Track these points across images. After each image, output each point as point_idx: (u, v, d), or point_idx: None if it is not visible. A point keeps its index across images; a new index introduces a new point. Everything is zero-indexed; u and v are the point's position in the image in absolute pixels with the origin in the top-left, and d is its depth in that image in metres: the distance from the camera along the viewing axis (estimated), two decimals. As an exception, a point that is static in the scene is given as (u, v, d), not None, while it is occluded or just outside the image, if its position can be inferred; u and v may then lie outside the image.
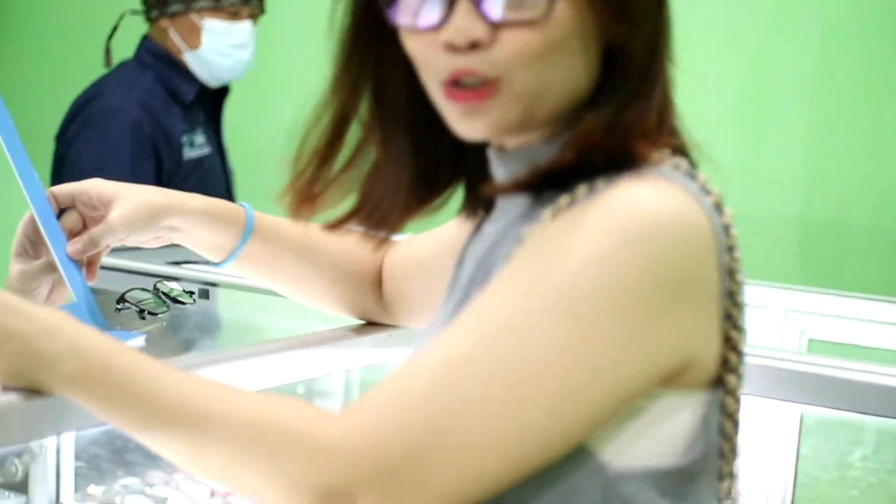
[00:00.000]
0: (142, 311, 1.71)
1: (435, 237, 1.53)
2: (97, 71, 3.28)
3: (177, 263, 2.18)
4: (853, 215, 3.11)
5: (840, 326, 2.33)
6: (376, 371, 1.82)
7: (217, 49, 3.15)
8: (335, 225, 1.31)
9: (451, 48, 1.14)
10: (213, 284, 2.02)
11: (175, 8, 3.14)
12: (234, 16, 3.16)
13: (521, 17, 1.12)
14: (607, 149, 1.14)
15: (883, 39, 3.07)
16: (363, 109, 1.26)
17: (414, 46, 1.18)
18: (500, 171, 1.24)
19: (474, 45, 1.13)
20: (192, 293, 1.83)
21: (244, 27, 3.18)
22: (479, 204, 1.32)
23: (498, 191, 1.22)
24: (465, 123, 1.17)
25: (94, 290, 1.47)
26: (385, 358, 1.67)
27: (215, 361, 1.47)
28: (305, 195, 1.28)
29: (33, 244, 1.49)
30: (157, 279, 1.83)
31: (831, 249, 3.13)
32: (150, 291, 1.77)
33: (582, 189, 1.13)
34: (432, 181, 1.29)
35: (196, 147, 3.18)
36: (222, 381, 1.12)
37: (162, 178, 3.09)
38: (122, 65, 3.27)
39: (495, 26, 1.13)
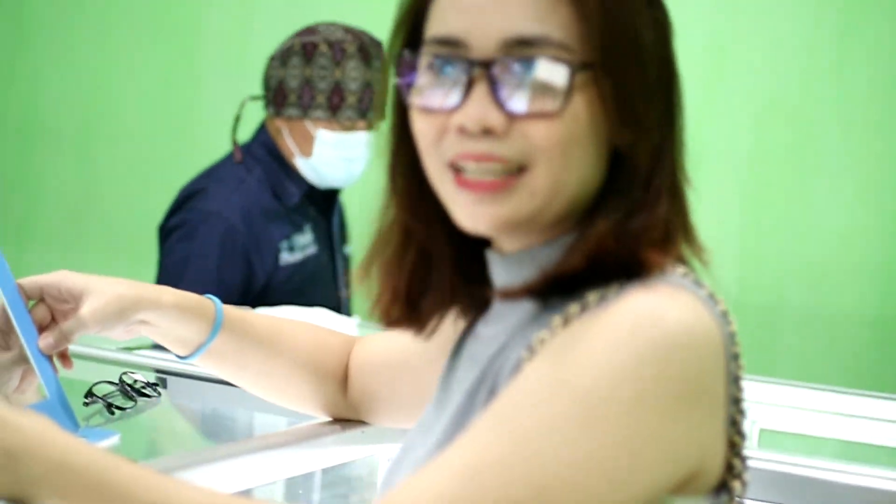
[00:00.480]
0: (109, 405, 1.69)
1: (404, 336, 1.46)
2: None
3: (129, 349, 2.16)
4: (787, 297, 3.15)
5: (791, 416, 2.34)
6: (351, 468, 1.81)
7: (329, 160, 3.03)
8: (387, 321, 1.32)
9: (463, 132, 1.15)
10: (170, 373, 1.99)
11: (291, 112, 3.03)
12: (350, 128, 3.02)
13: (538, 109, 1.13)
14: (616, 256, 1.15)
15: (819, 116, 3.12)
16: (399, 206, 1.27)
17: (424, 128, 1.18)
18: (501, 273, 1.24)
19: (487, 132, 1.14)
20: (156, 385, 1.81)
21: (359, 139, 3.03)
22: (471, 305, 1.32)
23: (507, 295, 1.21)
24: (470, 212, 1.17)
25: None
26: (358, 455, 1.66)
27: (195, 463, 1.47)
28: (392, 306, 1.30)
29: (3, 334, 1.47)
30: (121, 369, 1.80)
31: (767, 334, 3.16)
32: (115, 384, 1.74)
33: (593, 296, 1.14)
34: (466, 280, 1.29)
35: (297, 250, 3.06)
36: (213, 488, 1.11)
37: (254, 285, 2.99)
38: (231, 156, 3.14)
39: (511, 116, 1.13)
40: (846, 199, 3.14)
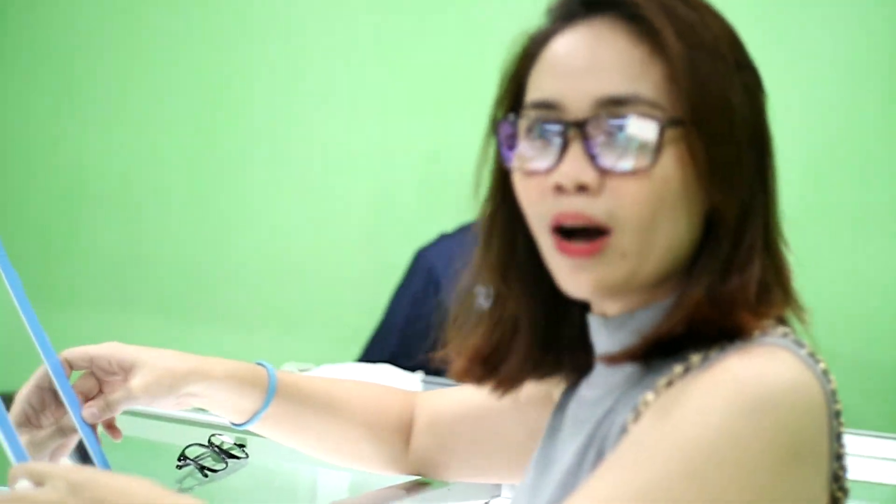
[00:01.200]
0: (202, 468, 1.72)
1: (477, 392, 1.52)
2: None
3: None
4: (839, 350, 3.16)
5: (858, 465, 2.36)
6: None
7: None
8: (470, 380, 1.37)
9: (559, 190, 1.19)
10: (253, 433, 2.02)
11: None
12: None
13: (629, 165, 1.17)
14: (711, 320, 1.18)
15: (868, 166, 3.14)
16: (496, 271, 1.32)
17: (524, 190, 1.23)
18: (603, 337, 1.28)
19: (582, 189, 1.18)
20: (243, 446, 1.84)
21: None
22: (573, 368, 1.36)
23: (610, 360, 1.25)
24: (572, 278, 1.21)
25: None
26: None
27: None
28: (472, 368, 1.36)
29: (36, 413, 1.47)
30: (208, 431, 1.83)
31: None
32: (205, 446, 1.77)
33: (696, 357, 1.18)
34: (551, 344, 1.34)
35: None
36: None
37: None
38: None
39: (603, 173, 1.18)
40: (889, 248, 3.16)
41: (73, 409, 1.43)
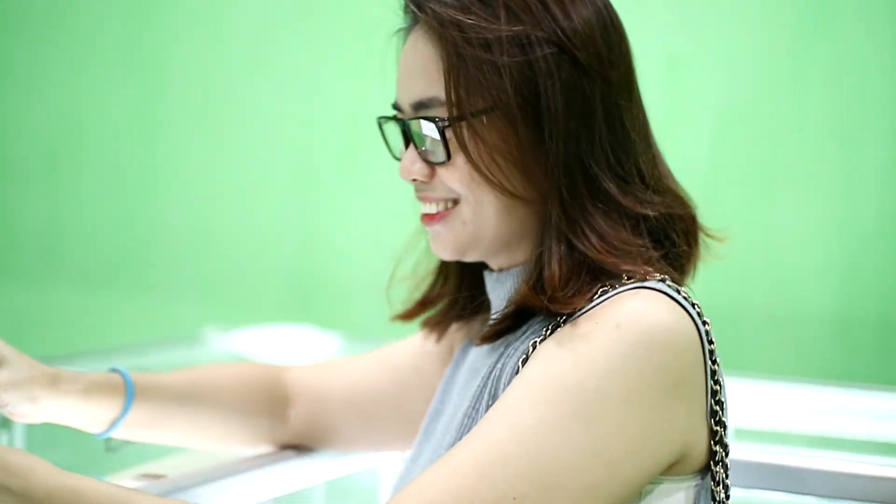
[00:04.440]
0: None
1: (376, 364, 1.62)
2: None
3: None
4: (751, 299, 3.23)
5: (762, 413, 2.42)
6: (353, 479, 1.87)
7: None
8: (404, 317, 1.52)
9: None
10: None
11: None
12: None
13: (436, 160, 1.32)
14: (540, 306, 1.27)
15: (776, 124, 3.20)
16: None
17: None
18: (493, 291, 1.40)
19: (417, 181, 1.35)
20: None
21: None
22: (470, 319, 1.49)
23: (486, 339, 1.36)
24: (434, 243, 1.37)
25: None
26: (359, 467, 1.73)
27: (198, 483, 1.53)
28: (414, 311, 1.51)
29: None
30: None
31: (734, 334, 3.24)
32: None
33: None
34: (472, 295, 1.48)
35: None
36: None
37: None
38: None
39: (429, 165, 1.33)
40: (805, 203, 3.22)
41: None
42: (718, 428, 1.27)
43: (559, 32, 1.27)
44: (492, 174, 1.28)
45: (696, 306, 1.26)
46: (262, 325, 2.81)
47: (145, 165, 3.57)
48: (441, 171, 1.32)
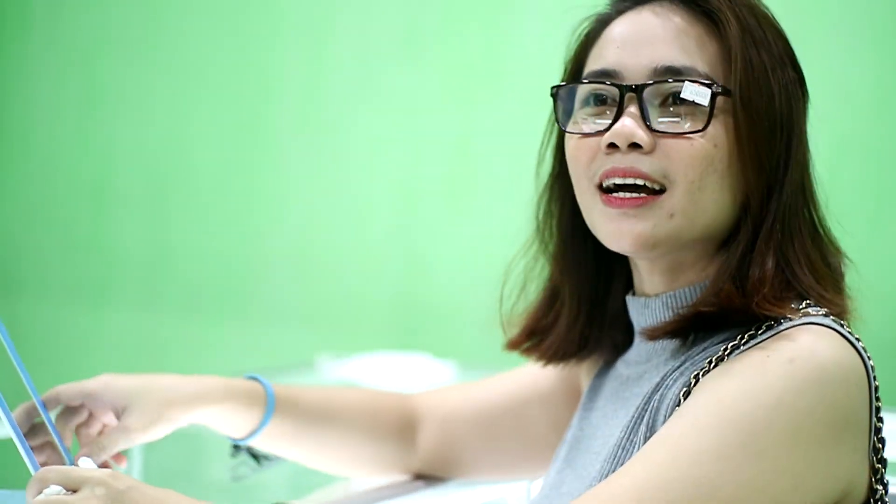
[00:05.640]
0: (256, 456, 1.73)
1: (497, 388, 1.58)
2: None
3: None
4: None
5: None
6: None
7: None
8: (511, 346, 1.45)
9: (612, 149, 1.27)
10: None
11: None
12: None
13: (682, 128, 1.25)
14: (739, 307, 1.24)
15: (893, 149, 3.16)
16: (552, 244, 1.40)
17: (576, 150, 1.31)
18: (643, 315, 1.34)
19: (634, 147, 1.26)
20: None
21: None
22: (611, 346, 1.42)
23: (653, 335, 1.30)
24: (615, 227, 1.27)
25: None
26: (487, 497, 1.69)
27: None
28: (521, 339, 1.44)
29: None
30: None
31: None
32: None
33: (742, 337, 1.23)
34: (595, 320, 1.41)
35: None
36: None
37: None
38: None
39: (656, 135, 1.25)
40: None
41: (61, 445, 1.40)
42: (880, 465, 1.24)
43: (795, 59, 1.32)
44: (746, 153, 1.25)
45: (860, 341, 1.23)
46: (374, 353, 2.80)
47: (254, 191, 3.59)
48: (675, 144, 1.25)
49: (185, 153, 3.67)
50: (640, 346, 1.35)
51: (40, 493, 1.15)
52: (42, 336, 3.71)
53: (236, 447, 1.69)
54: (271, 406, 1.52)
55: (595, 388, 1.43)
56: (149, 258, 3.70)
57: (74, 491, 1.14)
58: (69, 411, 1.43)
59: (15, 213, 3.82)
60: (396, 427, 1.60)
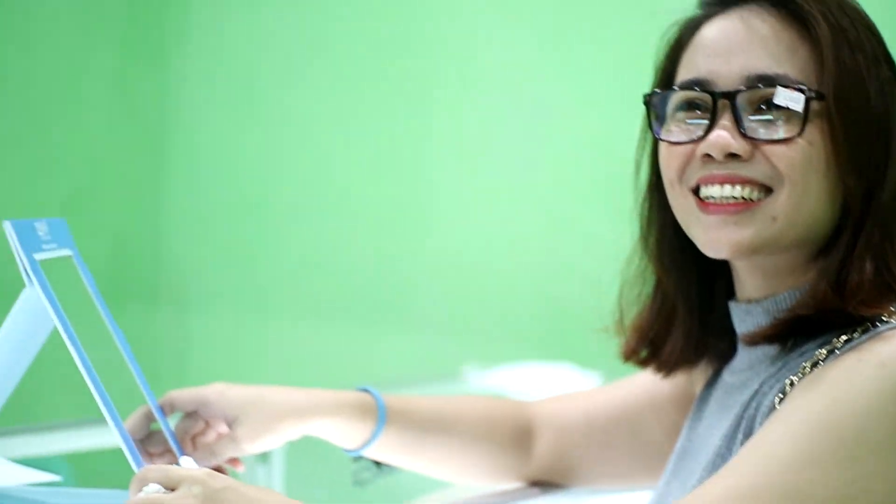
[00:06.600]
0: (378, 462, 1.75)
1: (611, 396, 1.59)
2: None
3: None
4: None
5: None
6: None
7: None
8: (625, 354, 1.44)
9: (708, 160, 1.26)
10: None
11: None
12: None
13: (778, 135, 1.24)
14: (837, 309, 1.22)
15: None
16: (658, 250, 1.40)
17: (669, 158, 1.30)
18: (745, 321, 1.32)
19: (731, 157, 1.25)
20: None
21: None
22: (717, 354, 1.41)
23: (751, 341, 1.29)
24: (713, 234, 1.27)
25: None
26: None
27: None
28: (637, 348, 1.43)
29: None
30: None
31: None
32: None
33: (838, 341, 1.22)
34: (705, 327, 1.40)
35: None
36: None
37: None
38: None
39: (753, 142, 1.25)
40: None
41: (175, 446, 1.44)
42: None
43: (891, 57, 1.31)
44: (844, 156, 1.24)
45: None
46: (520, 363, 2.80)
47: (404, 204, 3.62)
48: (774, 149, 1.24)
49: (340, 166, 3.72)
50: (743, 353, 1.34)
51: (141, 490, 1.17)
52: (208, 346, 3.80)
53: (356, 452, 1.71)
54: (383, 417, 1.53)
55: (703, 399, 1.42)
56: (305, 269, 3.75)
57: (173, 489, 1.16)
58: (187, 419, 1.47)
59: (181, 226, 3.91)
60: (512, 435, 1.60)
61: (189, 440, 1.47)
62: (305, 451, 1.93)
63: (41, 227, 1.28)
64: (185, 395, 1.47)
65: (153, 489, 1.16)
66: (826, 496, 1.12)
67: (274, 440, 1.48)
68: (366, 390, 1.55)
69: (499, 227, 3.44)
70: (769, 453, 1.14)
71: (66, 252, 1.35)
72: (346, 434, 1.52)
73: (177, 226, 3.92)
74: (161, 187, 3.92)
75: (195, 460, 1.41)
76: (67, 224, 1.37)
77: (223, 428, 1.47)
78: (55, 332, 1.27)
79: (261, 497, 1.17)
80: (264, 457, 2.10)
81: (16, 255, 1.22)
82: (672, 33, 1.35)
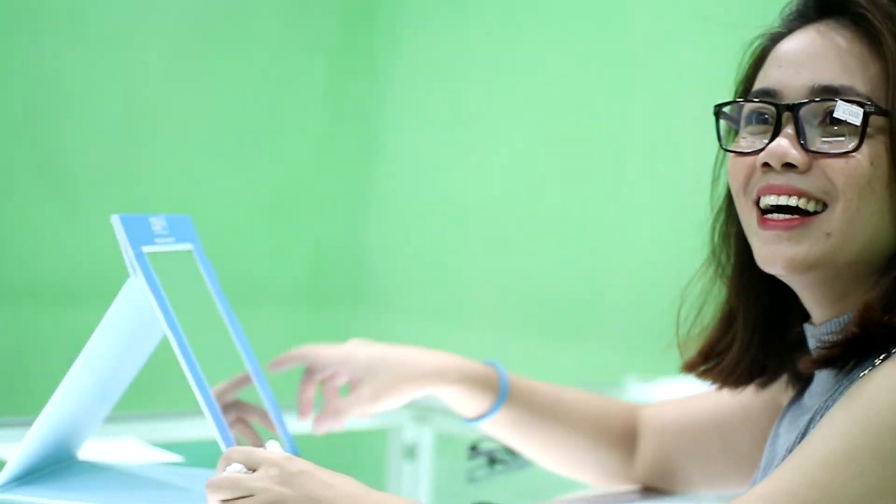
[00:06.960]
0: (493, 460, 1.81)
1: (711, 403, 1.60)
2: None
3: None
4: None
5: None
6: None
7: None
8: (687, 367, 1.46)
9: (766, 168, 1.28)
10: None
11: None
12: None
13: (836, 148, 1.25)
14: (884, 329, 1.23)
15: None
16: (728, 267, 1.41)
17: (734, 169, 1.33)
18: (810, 345, 1.35)
19: (788, 167, 1.26)
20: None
21: None
22: (796, 377, 1.43)
23: (808, 368, 1.32)
24: (767, 250, 1.29)
25: None
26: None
27: None
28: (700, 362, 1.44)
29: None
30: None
31: None
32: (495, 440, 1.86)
33: (878, 359, 1.23)
34: (772, 347, 1.42)
35: None
36: None
37: None
38: None
39: (812, 154, 1.26)
40: None
41: (274, 409, 1.52)
42: None
43: None
44: None
45: None
46: (679, 377, 2.80)
47: (591, 218, 3.63)
48: (832, 163, 1.25)
49: (532, 179, 3.74)
50: (817, 376, 1.36)
51: (225, 470, 1.23)
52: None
53: (473, 449, 1.78)
54: (504, 393, 1.58)
55: (783, 417, 1.44)
56: (496, 279, 3.79)
57: (254, 470, 1.21)
58: (311, 370, 1.57)
59: (383, 233, 4.00)
60: (620, 435, 1.64)
61: (312, 386, 1.56)
62: (451, 448, 1.99)
63: (157, 222, 1.36)
64: (320, 352, 1.56)
65: (235, 469, 1.21)
66: (862, 492, 1.14)
67: (396, 400, 1.55)
68: (492, 364, 1.60)
69: (654, 238, 3.41)
70: (807, 454, 1.17)
71: (185, 246, 1.43)
72: (466, 403, 1.58)
73: (378, 233, 4.00)
74: (365, 195, 4.01)
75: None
76: (192, 220, 1.46)
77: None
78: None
79: (335, 482, 1.20)
80: (411, 452, 2.17)
81: (122, 247, 1.29)
82: (754, 46, 1.38)
